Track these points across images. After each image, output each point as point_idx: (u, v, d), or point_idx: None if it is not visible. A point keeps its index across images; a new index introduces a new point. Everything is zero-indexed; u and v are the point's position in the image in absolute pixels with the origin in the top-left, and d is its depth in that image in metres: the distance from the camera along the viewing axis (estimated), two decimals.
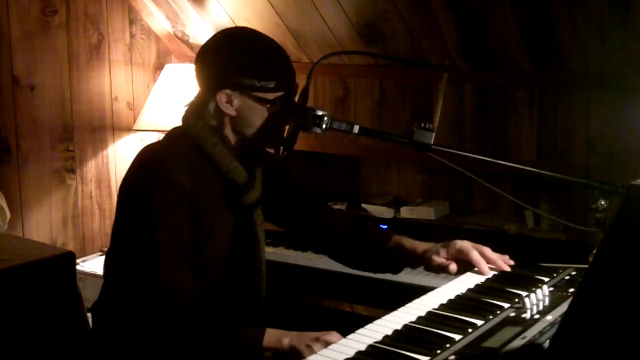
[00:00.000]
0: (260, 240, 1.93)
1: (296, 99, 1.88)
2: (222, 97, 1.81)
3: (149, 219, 1.73)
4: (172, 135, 1.91)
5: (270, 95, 1.81)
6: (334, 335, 1.57)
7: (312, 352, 1.54)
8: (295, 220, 2.12)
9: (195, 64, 1.88)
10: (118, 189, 1.90)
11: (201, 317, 1.71)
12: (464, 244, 1.90)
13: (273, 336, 1.66)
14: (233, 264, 1.90)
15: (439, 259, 1.91)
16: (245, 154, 1.89)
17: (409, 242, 2.01)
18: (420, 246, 1.98)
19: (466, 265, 1.91)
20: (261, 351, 1.65)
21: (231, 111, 1.82)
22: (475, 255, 1.88)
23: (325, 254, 2.20)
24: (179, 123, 1.91)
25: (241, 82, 1.80)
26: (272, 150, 1.91)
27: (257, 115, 1.83)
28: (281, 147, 1.83)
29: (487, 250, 1.91)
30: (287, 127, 1.84)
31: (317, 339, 1.59)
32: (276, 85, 1.81)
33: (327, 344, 1.52)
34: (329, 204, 3.26)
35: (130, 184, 1.82)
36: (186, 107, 1.90)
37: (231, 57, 1.82)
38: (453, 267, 1.88)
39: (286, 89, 1.84)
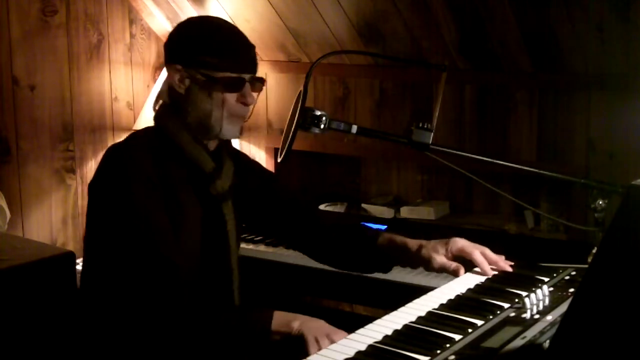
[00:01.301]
0: (229, 235, 1.89)
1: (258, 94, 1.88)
2: (174, 74, 1.82)
3: (126, 208, 1.70)
4: (137, 132, 1.92)
5: (218, 74, 1.80)
6: (340, 336, 1.56)
7: (318, 348, 1.53)
8: (278, 219, 2.07)
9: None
10: (87, 191, 1.85)
11: (206, 303, 1.71)
12: (465, 243, 1.88)
13: (282, 319, 1.65)
14: (204, 261, 1.86)
15: (442, 259, 1.87)
16: (216, 148, 1.88)
17: (400, 239, 1.96)
18: (414, 243, 1.93)
19: (465, 265, 1.91)
20: (269, 335, 1.64)
21: (182, 90, 1.82)
22: (478, 256, 1.87)
23: (311, 256, 2.13)
24: None
25: (190, 57, 1.81)
26: (229, 138, 1.90)
27: (204, 95, 1.81)
28: (281, 151, 1.82)
29: (488, 251, 1.90)
30: (284, 129, 1.83)
31: (326, 336, 1.58)
32: (225, 64, 1.80)
33: (332, 343, 1.51)
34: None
35: (101, 182, 1.79)
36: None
37: (184, 35, 1.86)
38: (462, 272, 1.85)
39: (236, 71, 1.81)
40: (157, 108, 1.90)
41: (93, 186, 1.81)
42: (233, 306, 1.72)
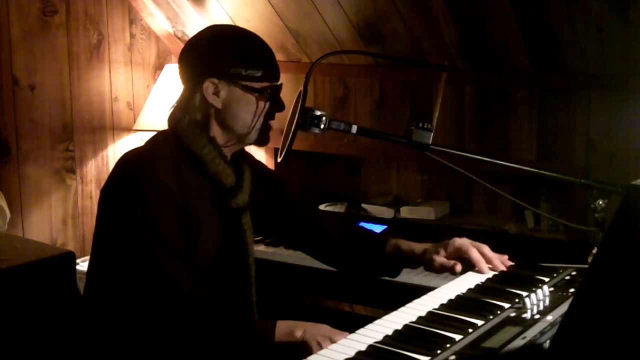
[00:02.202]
0: (249, 245, 1.88)
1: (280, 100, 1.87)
2: (208, 87, 1.78)
3: (139, 221, 1.67)
4: (156, 138, 1.87)
5: (257, 85, 1.80)
6: (342, 337, 1.55)
7: (321, 349, 1.53)
8: (287, 227, 2.08)
9: (180, 60, 1.85)
10: (99, 195, 1.82)
11: (208, 315, 1.70)
12: (463, 242, 1.90)
13: (285, 329, 1.65)
14: (221, 269, 1.85)
15: (441, 259, 1.90)
16: (233, 156, 1.87)
17: (406, 244, 1.99)
18: (419, 247, 1.97)
19: (466, 265, 1.91)
20: (273, 345, 1.64)
21: (217, 103, 1.79)
22: (474, 254, 1.88)
23: (321, 260, 2.14)
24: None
25: (228, 70, 1.78)
26: (257, 146, 1.89)
27: (244, 106, 1.80)
28: (281, 151, 1.82)
29: (486, 249, 1.91)
30: (284, 129, 1.83)
31: (329, 339, 1.58)
32: (263, 74, 1.80)
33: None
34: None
35: (115, 189, 1.76)
36: (171, 109, 1.87)
37: (217, 47, 1.81)
38: (459, 267, 1.87)
39: (272, 80, 1.83)
40: (180, 124, 1.82)
41: (106, 191, 1.79)
42: (239, 318, 1.70)
